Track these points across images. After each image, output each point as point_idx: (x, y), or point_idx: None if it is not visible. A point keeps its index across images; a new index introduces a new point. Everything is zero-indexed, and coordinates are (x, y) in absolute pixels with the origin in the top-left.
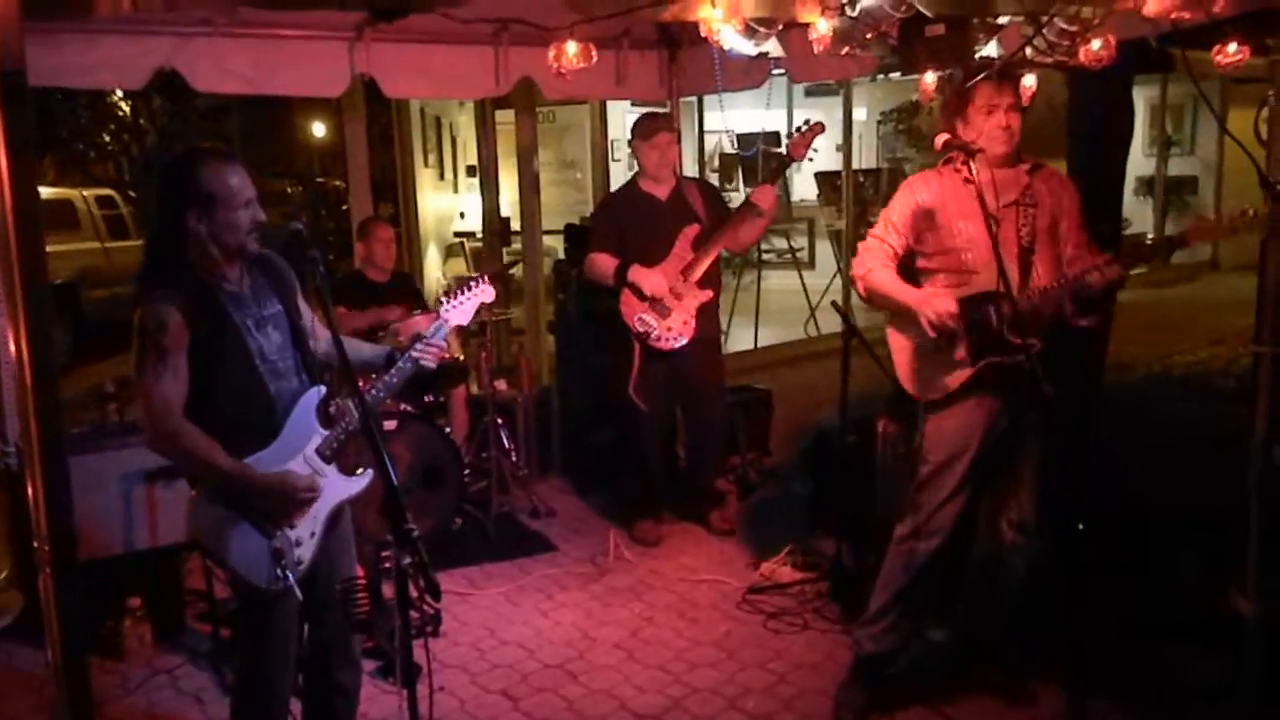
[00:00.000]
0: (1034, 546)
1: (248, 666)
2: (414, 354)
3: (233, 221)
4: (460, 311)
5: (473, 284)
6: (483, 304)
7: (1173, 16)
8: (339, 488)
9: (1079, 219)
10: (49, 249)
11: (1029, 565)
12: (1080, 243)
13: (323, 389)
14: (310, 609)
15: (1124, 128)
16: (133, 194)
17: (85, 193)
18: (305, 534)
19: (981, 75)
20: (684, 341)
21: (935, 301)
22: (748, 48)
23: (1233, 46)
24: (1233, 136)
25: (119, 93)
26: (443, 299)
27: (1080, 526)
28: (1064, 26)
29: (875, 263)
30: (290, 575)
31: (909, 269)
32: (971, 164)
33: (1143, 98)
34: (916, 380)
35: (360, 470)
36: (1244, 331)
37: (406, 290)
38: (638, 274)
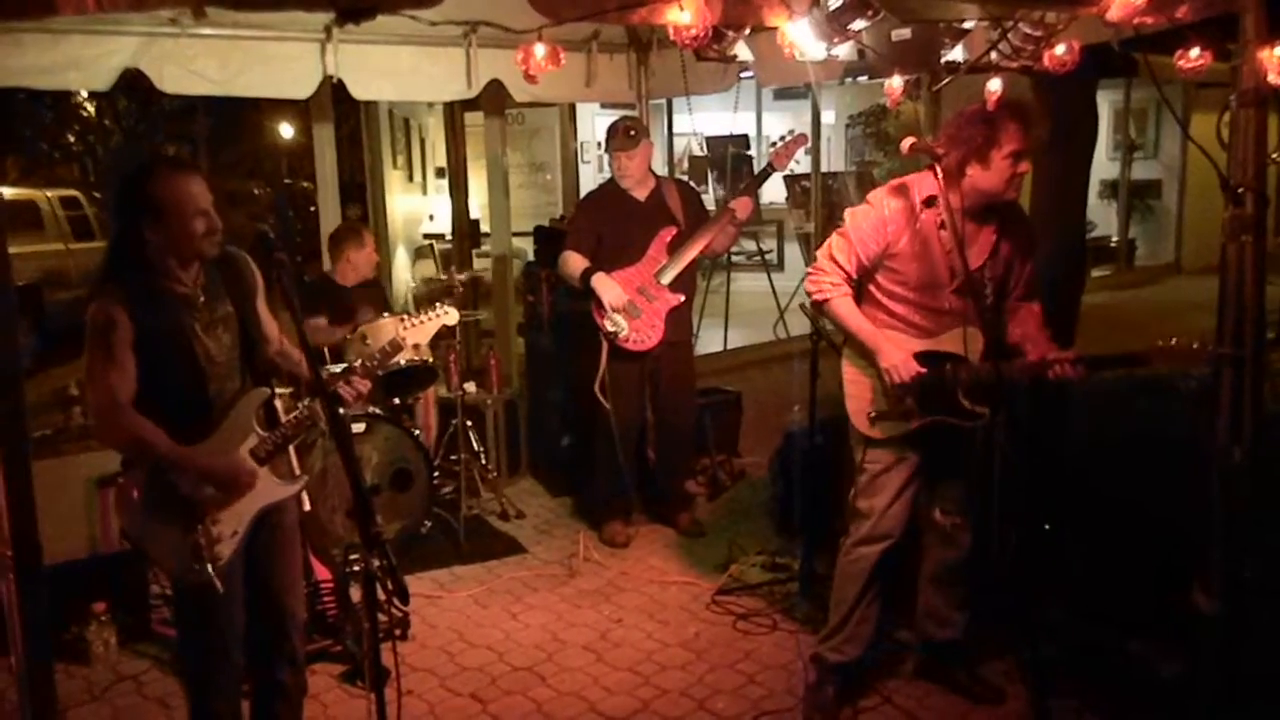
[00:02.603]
0: (970, 521)
1: (185, 659)
2: (337, 388)
3: (185, 230)
4: (419, 331)
5: (436, 305)
6: (444, 326)
7: (1135, 21)
8: (268, 491)
9: (1029, 262)
10: (11, 250)
11: (970, 538)
12: (1023, 292)
13: (267, 391)
14: (249, 610)
15: (1088, 131)
16: (98, 195)
17: (49, 194)
18: (227, 531)
19: (1008, 113)
20: (652, 344)
21: (897, 354)
22: (716, 51)
23: (1194, 51)
24: (1194, 141)
25: (84, 93)
26: (404, 317)
27: (1046, 526)
28: (1028, 31)
29: (835, 292)
30: (208, 568)
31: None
32: (952, 217)
33: (1107, 102)
34: (864, 417)
35: (295, 476)
36: (1206, 333)
37: (375, 293)
38: (599, 283)
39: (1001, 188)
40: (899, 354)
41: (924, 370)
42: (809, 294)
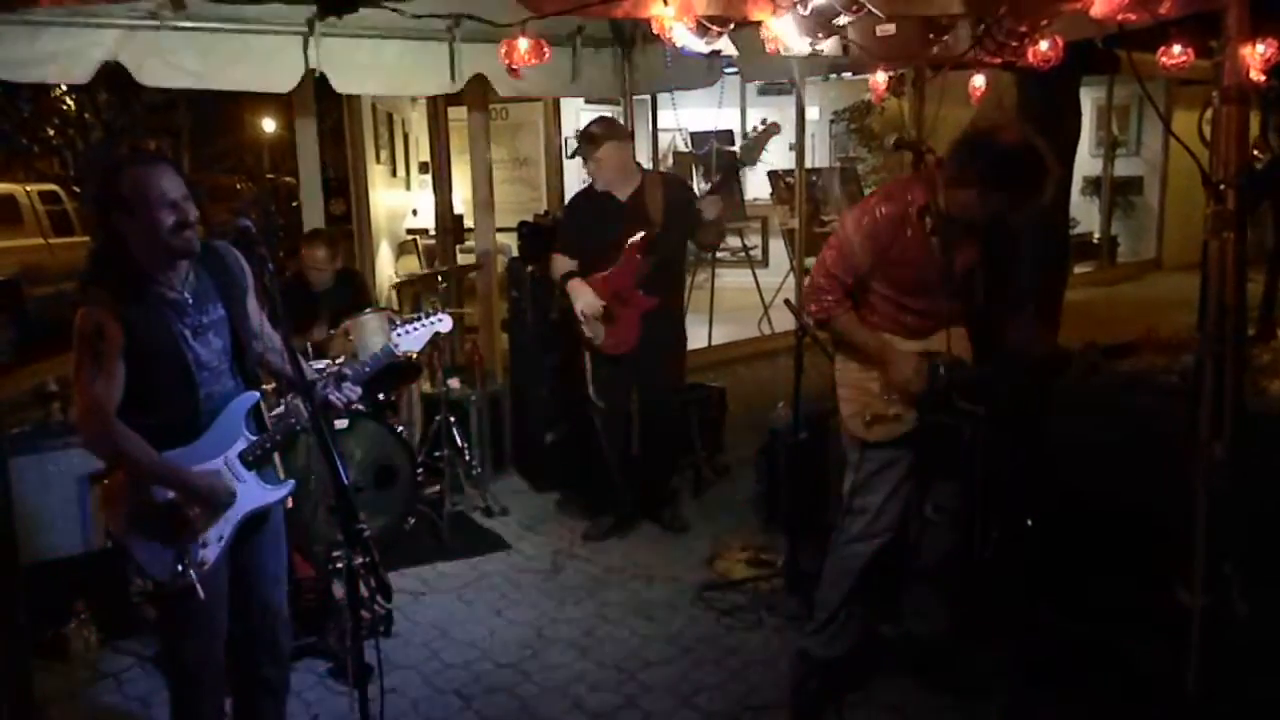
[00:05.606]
0: (955, 516)
1: (167, 658)
2: (328, 394)
3: (153, 223)
4: (413, 339)
5: (430, 311)
6: (437, 333)
7: (1119, 18)
8: (255, 495)
9: (1015, 263)
10: None
11: (955, 534)
12: (1013, 295)
13: (256, 395)
14: (233, 605)
15: (1071, 128)
16: (77, 189)
17: (29, 188)
18: (213, 536)
19: (1027, 175)
20: (628, 347)
21: (908, 366)
22: (700, 46)
23: (1177, 48)
24: (1177, 138)
25: (64, 86)
26: (396, 323)
27: (1029, 522)
28: (1012, 27)
29: (838, 309)
30: (193, 573)
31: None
32: (941, 221)
33: (1089, 99)
34: (860, 421)
35: (282, 480)
36: (1187, 329)
37: (348, 291)
38: (574, 289)
39: (974, 215)
40: (909, 366)
41: (925, 379)
42: (811, 314)
